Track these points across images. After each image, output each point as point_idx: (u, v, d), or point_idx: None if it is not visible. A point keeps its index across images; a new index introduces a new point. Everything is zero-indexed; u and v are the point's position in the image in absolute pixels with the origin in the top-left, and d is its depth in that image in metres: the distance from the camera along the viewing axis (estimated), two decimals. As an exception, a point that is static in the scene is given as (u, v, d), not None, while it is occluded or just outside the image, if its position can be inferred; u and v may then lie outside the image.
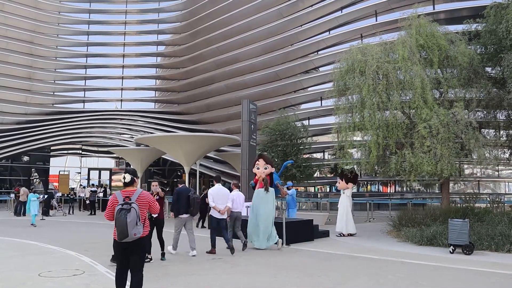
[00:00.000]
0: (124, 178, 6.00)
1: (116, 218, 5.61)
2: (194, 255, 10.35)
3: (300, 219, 14.45)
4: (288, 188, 16.71)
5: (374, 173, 18.98)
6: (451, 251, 10.89)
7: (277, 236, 11.88)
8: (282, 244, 11.99)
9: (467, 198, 16.68)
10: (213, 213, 11.07)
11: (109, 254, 9.19)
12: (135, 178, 6.06)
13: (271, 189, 12.41)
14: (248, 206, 13.15)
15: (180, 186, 10.92)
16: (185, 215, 10.43)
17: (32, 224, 17.97)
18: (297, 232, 13.04)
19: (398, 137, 14.17)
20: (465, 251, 10.70)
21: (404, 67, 14.23)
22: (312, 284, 7.67)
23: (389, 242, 13.29)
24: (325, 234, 14.63)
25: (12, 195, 27.93)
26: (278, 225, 12.37)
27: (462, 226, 10.70)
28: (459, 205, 16.52)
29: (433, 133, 13.21)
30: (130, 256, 5.77)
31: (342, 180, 15.23)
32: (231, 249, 10.69)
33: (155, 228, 9.75)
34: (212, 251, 10.83)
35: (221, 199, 11.06)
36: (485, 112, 16.43)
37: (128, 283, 5.87)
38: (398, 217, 15.83)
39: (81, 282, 7.63)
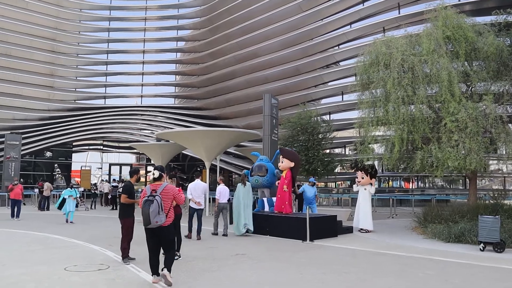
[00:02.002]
0: (154, 174, 7.18)
1: (142, 208, 6.73)
2: None
3: (324, 215, 14.22)
4: (312, 184, 16.35)
5: (397, 168, 18.59)
6: (481, 248, 10.57)
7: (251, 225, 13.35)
8: (308, 240, 12.05)
9: (495, 195, 16.18)
10: (191, 204, 12.63)
11: (133, 248, 9.23)
12: (163, 173, 7.17)
13: (248, 183, 13.82)
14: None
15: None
16: None
17: (70, 222, 17.25)
18: (321, 228, 12.84)
19: (424, 131, 13.81)
20: (496, 249, 10.37)
21: (431, 59, 13.85)
22: (339, 281, 7.49)
23: (415, 239, 13.00)
24: (349, 230, 14.42)
25: (36, 190, 28.42)
26: (301, 220, 12.48)
27: (493, 223, 10.38)
28: (486, 201, 16.05)
29: (461, 127, 12.83)
30: (160, 241, 6.98)
31: (367, 176, 14.98)
32: (189, 237, 12.37)
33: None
34: (189, 235, 12.39)
35: (198, 192, 12.55)
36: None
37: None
38: (423, 213, 15.49)
39: (107, 277, 7.61)
